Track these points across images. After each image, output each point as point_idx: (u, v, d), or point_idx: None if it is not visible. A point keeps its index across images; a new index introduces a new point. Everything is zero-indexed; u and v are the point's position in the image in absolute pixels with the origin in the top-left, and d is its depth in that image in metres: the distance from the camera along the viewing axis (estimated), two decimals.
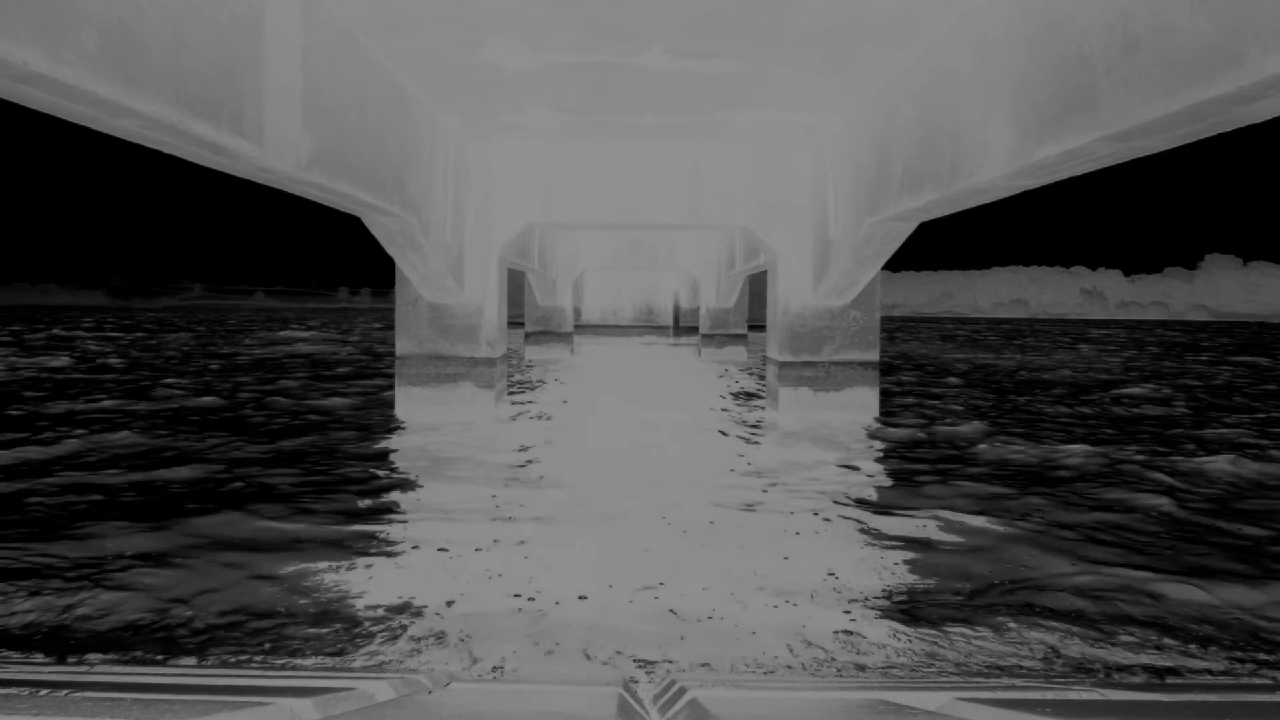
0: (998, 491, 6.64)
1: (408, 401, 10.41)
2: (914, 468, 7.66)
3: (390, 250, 8.90)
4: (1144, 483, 7.15)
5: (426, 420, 9.79)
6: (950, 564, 4.69)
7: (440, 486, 6.57)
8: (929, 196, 6.05)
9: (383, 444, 8.58)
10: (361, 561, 4.59)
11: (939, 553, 4.93)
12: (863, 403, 10.44)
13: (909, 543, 5.09)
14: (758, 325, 35.05)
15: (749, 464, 7.56)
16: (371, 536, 5.05)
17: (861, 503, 6.22)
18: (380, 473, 7.11)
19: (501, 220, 10.47)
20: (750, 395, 13.98)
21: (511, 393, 13.69)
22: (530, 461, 7.39)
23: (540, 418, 9.74)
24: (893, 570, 4.54)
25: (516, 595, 4.00)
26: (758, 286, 31.39)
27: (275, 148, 4.82)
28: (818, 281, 10.07)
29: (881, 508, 6.10)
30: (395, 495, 6.30)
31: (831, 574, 4.42)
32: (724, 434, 9.56)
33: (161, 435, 9.18)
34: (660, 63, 6.85)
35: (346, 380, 15.89)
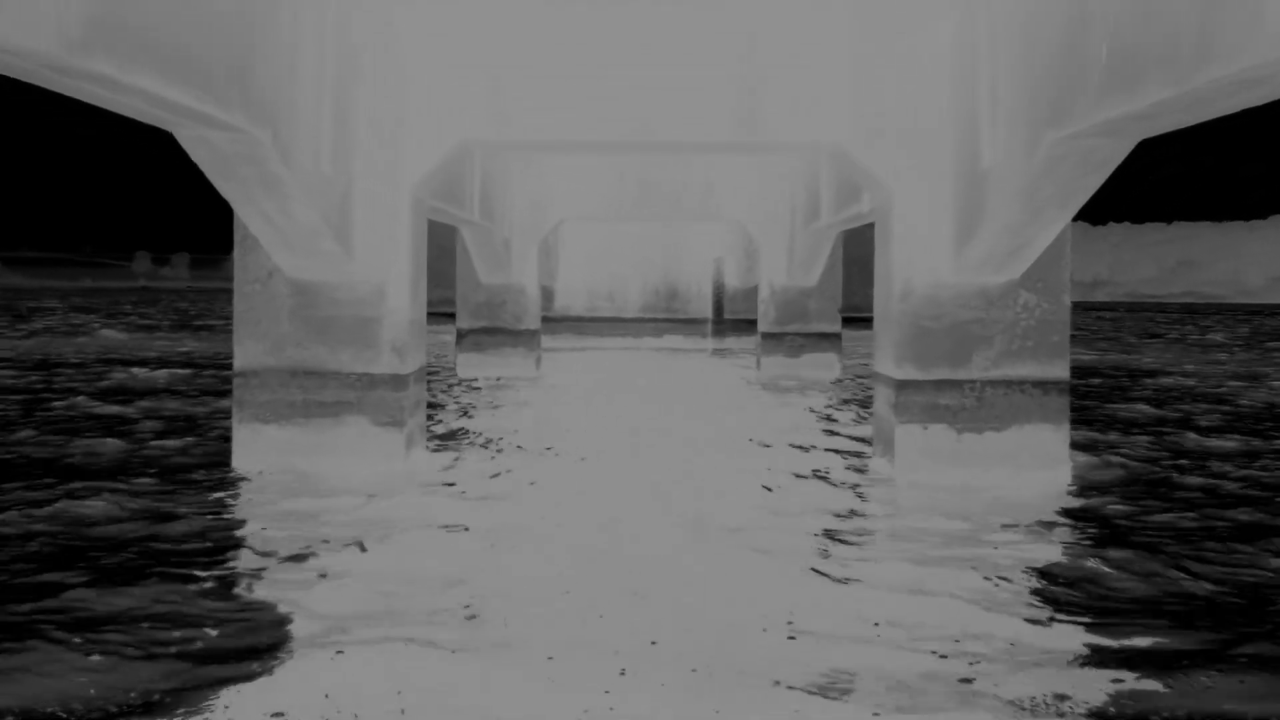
0: None
1: (256, 447, 10.39)
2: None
3: (224, 189, 8.89)
4: None
5: (288, 507, 9.67)
6: None
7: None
8: (1157, 94, 5.97)
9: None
10: None
11: None
12: (1042, 451, 10.33)
13: None
14: (858, 318, 34.91)
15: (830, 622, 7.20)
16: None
17: None
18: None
19: (418, 138, 10.48)
20: (849, 436, 13.86)
21: (433, 439, 13.63)
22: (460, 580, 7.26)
23: (475, 504, 9.50)
24: None
25: None
26: (858, 251, 31.11)
27: (21, 12, 4.79)
28: (962, 242, 10.02)
29: None
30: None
31: None
32: (811, 528, 9.41)
33: None
34: None
35: (148, 419, 15.91)
